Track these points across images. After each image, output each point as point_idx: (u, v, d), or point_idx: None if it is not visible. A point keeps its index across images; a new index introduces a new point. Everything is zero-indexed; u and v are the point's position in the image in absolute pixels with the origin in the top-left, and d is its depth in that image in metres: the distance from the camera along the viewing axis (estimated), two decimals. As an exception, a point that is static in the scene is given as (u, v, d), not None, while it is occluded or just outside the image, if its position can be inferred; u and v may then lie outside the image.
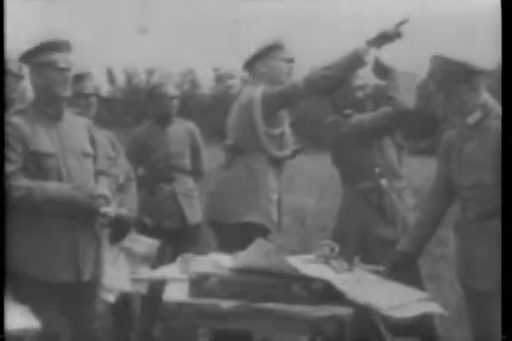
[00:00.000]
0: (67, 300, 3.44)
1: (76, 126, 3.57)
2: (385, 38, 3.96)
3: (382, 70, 4.04)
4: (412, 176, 4.34)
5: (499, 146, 3.16)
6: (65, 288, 3.40)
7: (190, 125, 5.23)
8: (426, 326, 3.92)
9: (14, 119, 3.40)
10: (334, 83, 4.04)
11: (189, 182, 5.14)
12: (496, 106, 3.30)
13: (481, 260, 3.23)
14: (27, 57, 3.47)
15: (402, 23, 3.95)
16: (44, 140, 3.40)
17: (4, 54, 3.48)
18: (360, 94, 4.11)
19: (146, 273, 3.85)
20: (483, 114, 3.30)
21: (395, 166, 4.13)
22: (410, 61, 4.13)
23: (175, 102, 5.08)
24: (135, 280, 3.81)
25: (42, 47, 3.43)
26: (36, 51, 3.43)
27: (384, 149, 4.11)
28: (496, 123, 3.25)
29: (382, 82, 4.13)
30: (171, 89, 5.11)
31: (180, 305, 3.01)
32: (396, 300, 3.07)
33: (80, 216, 3.40)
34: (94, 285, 3.53)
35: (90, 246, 3.47)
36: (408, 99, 3.90)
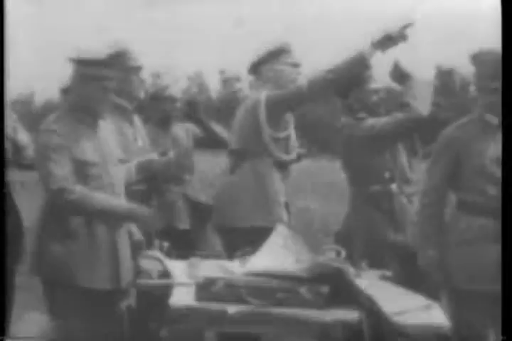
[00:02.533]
0: (97, 306, 3.41)
1: (108, 131, 3.55)
2: (389, 41, 3.92)
3: (400, 76, 4.01)
4: (422, 181, 4.33)
5: None
6: (98, 294, 3.39)
7: (188, 125, 5.22)
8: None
9: (55, 126, 3.32)
10: (338, 86, 4.03)
11: (196, 183, 5.14)
12: None
13: None
14: (79, 64, 3.38)
15: (406, 25, 3.91)
16: (87, 148, 3.34)
17: (4, 54, 3.45)
18: (374, 97, 4.10)
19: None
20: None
21: (406, 171, 4.12)
22: (408, 62, 4.11)
23: (178, 104, 5.07)
24: (141, 283, 3.81)
25: (97, 60, 3.35)
26: (90, 62, 3.35)
27: (395, 154, 4.09)
28: None
29: (393, 86, 4.12)
30: (176, 91, 5.09)
31: (187, 309, 3.01)
32: (401, 306, 3.06)
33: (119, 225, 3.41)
34: (126, 292, 3.54)
35: (127, 253, 3.48)
36: (423, 106, 3.89)
